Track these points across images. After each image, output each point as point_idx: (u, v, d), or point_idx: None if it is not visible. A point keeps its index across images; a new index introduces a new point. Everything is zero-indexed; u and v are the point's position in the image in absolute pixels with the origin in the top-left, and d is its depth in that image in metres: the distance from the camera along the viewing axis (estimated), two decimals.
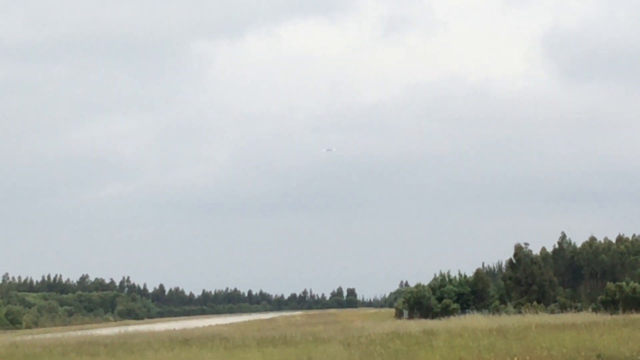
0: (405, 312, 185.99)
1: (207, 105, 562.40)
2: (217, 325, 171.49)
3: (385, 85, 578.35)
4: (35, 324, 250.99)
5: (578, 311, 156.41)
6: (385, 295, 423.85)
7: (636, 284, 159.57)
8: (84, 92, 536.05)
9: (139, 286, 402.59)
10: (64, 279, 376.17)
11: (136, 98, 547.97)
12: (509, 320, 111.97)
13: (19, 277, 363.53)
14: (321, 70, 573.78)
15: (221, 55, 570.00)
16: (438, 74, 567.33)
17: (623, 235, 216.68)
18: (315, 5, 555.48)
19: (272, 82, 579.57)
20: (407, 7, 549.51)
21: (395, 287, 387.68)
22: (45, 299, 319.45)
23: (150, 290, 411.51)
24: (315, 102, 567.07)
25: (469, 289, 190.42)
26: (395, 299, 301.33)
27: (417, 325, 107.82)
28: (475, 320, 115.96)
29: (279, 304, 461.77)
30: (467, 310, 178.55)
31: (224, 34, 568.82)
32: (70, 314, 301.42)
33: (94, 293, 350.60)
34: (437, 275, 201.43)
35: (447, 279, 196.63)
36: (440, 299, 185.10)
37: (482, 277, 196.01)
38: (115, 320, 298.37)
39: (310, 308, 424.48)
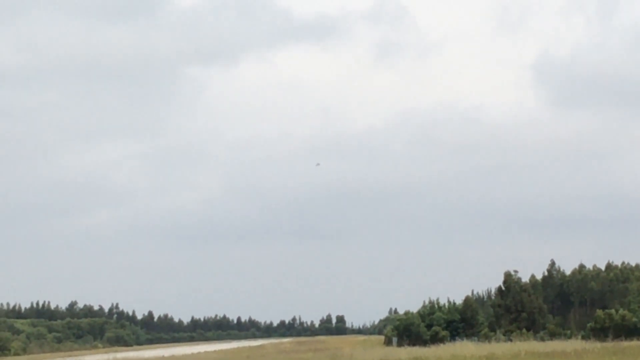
0: (395, 340, 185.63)
1: (199, 131, 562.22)
2: (205, 352, 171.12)
3: (378, 111, 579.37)
4: (24, 351, 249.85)
5: (567, 339, 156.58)
6: (374, 322, 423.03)
7: (625, 312, 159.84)
8: (76, 118, 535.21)
9: (127, 313, 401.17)
10: (52, 306, 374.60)
11: (128, 124, 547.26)
12: (498, 347, 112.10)
13: (7, 304, 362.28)
14: (314, 96, 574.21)
15: (214, 81, 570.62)
16: (430, 100, 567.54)
17: (612, 262, 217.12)
18: (309, 31, 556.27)
19: (264, 108, 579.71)
20: (401, 33, 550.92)
21: (384, 314, 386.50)
22: (34, 325, 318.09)
23: (139, 317, 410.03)
24: (307, 128, 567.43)
25: (458, 316, 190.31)
26: (385, 326, 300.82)
27: (406, 352, 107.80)
28: (465, 347, 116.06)
29: (268, 330, 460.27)
30: (456, 337, 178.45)
31: (217, 59, 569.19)
32: (58, 340, 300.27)
33: (83, 320, 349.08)
34: (426, 302, 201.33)
35: (436, 306, 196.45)
36: (429, 327, 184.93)
37: (472, 304, 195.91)
38: (104, 347, 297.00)
39: (299, 335, 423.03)
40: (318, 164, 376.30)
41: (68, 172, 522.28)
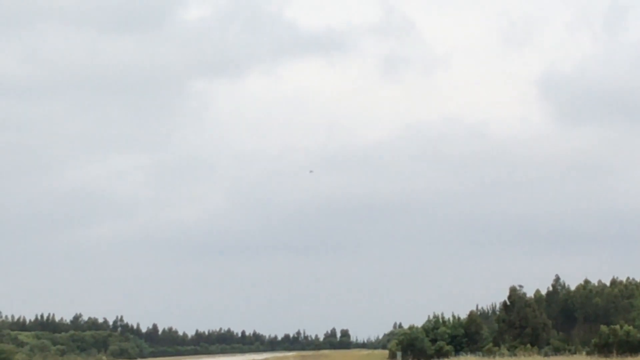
0: (399, 354, 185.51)
1: (204, 144, 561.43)
2: None
3: (383, 125, 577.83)
4: None
5: (571, 354, 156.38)
6: (378, 336, 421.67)
7: (630, 328, 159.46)
8: (80, 130, 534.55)
9: (132, 326, 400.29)
10: (57, 318, 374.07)
11: (133, 136, 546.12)
12: None
13: (12, 316, 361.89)
14: (319, 110, 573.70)
15: (220, 94, 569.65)
16: (436, 114, 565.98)
17: (617, 278, 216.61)
18: (315, 45, 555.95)
19: (270, 121, 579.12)
20: (407, 47, 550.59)
21: (388, 328, 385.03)
22: (38, 338, 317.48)
23: (144, 330, 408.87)
24: (312, 142, 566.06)
25: (463, 331, 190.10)
26: (389, 340, 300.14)
27: None
28: None
29: (272, 344, 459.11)
30: (460, 352, 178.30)
31: (223, 73, 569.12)
32: (62, 353, 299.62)
33: (87, 332, 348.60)
34: (431, 317, 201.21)
35: (440, 320, 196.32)
36: (433, 341, 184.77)
37: (476, 319, 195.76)
38: None
39: (303, 349, 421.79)
40: (311, 171, 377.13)
41: (72, 184, 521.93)
